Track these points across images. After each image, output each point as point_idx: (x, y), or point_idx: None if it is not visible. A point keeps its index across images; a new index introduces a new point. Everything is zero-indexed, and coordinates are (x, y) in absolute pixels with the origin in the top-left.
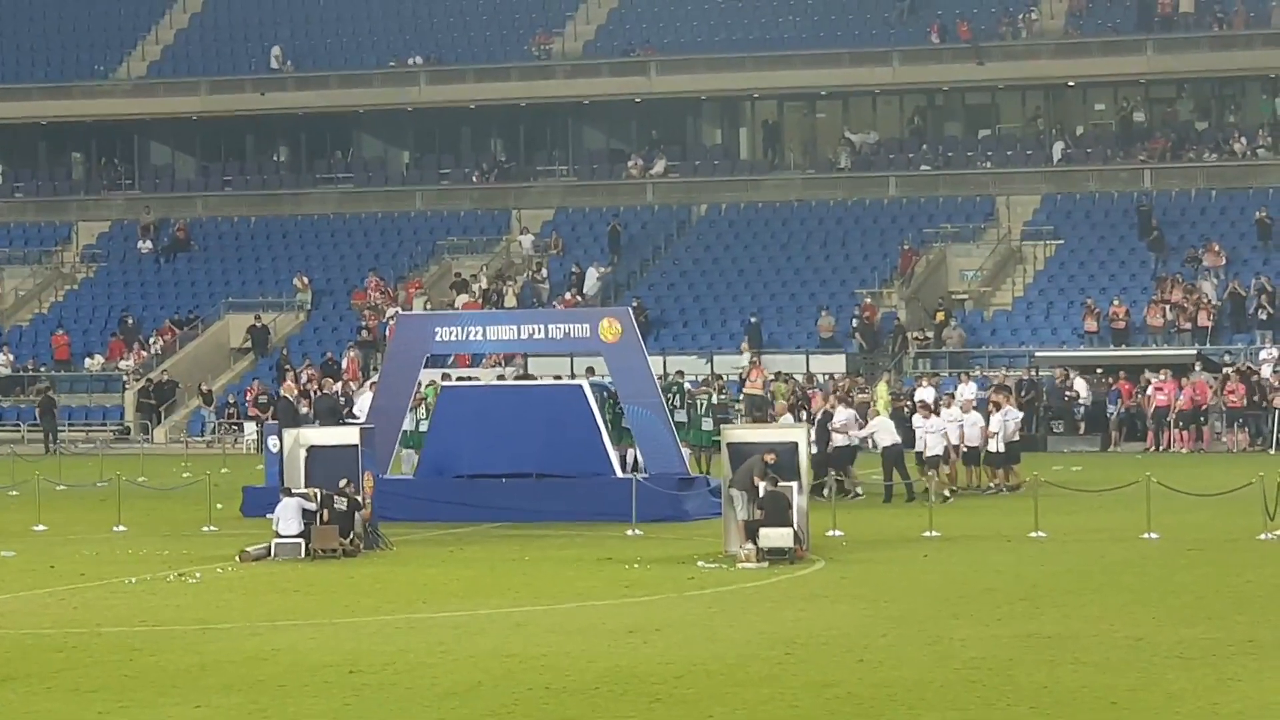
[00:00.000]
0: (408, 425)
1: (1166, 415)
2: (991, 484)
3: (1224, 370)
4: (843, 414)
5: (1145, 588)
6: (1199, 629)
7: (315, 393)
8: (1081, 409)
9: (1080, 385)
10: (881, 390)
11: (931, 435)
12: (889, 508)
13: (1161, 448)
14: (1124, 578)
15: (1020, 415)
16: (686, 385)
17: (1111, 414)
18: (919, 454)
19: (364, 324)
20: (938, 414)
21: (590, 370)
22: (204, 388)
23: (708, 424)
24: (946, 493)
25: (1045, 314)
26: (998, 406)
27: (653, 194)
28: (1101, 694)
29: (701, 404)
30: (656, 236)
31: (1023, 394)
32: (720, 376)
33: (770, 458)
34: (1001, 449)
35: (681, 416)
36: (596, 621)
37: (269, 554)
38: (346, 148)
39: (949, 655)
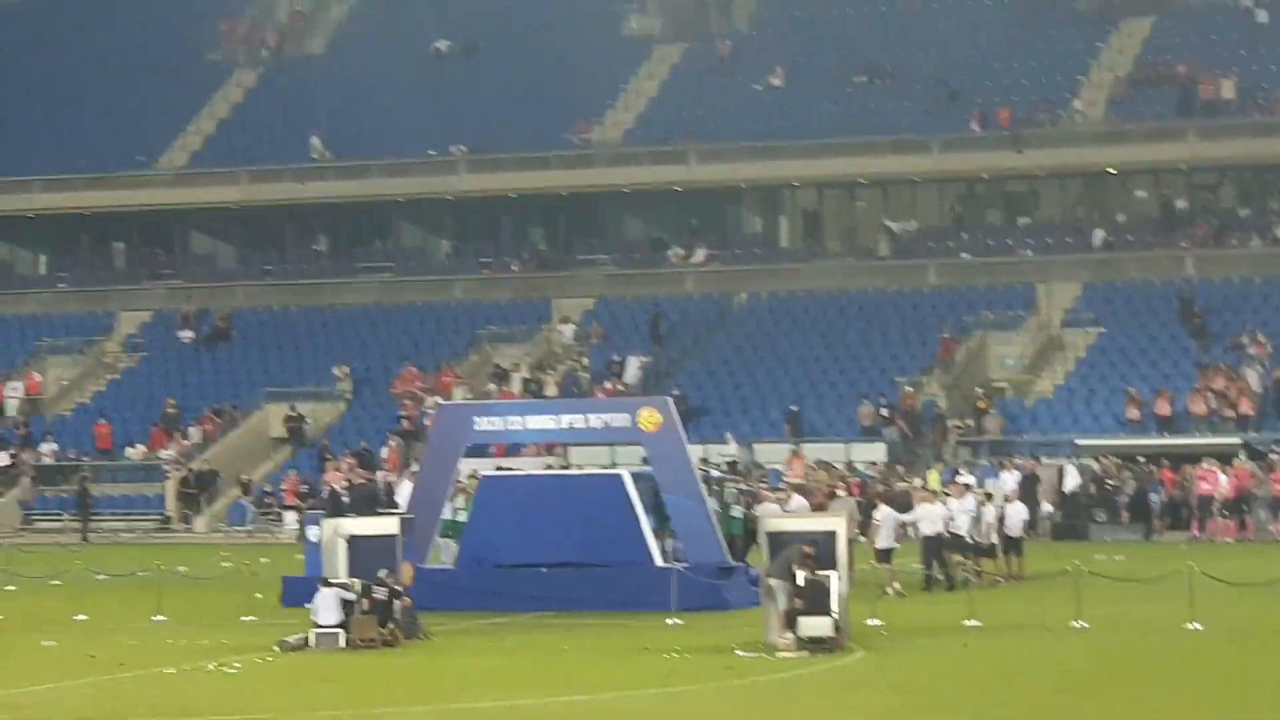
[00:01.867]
0: (447, 514)
1: (1210, 504)
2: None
3: (1269, 458)
4: (791, 504)
5: (1188, 679)
6: None
7: (353, 482)
8: (1125, 498)
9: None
10: (933, 478)
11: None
12: (927, 596)
13: (1205, 537)
14: (1166, 668)
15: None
16: (713, 472)
17: (1154, 503)
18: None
19: (404, 414)
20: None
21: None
22: (243, 477)
23: (737, 511)
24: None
25: (1087, 402)
26: (988, 497)
27: (693, 283)
28: None
29: (730, 492)
30: (697, 325)
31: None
32: (760, 465)
33: (809, 550)
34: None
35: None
36: (636, 712)
37: (308, 644)
38: (386, 237)
39: None
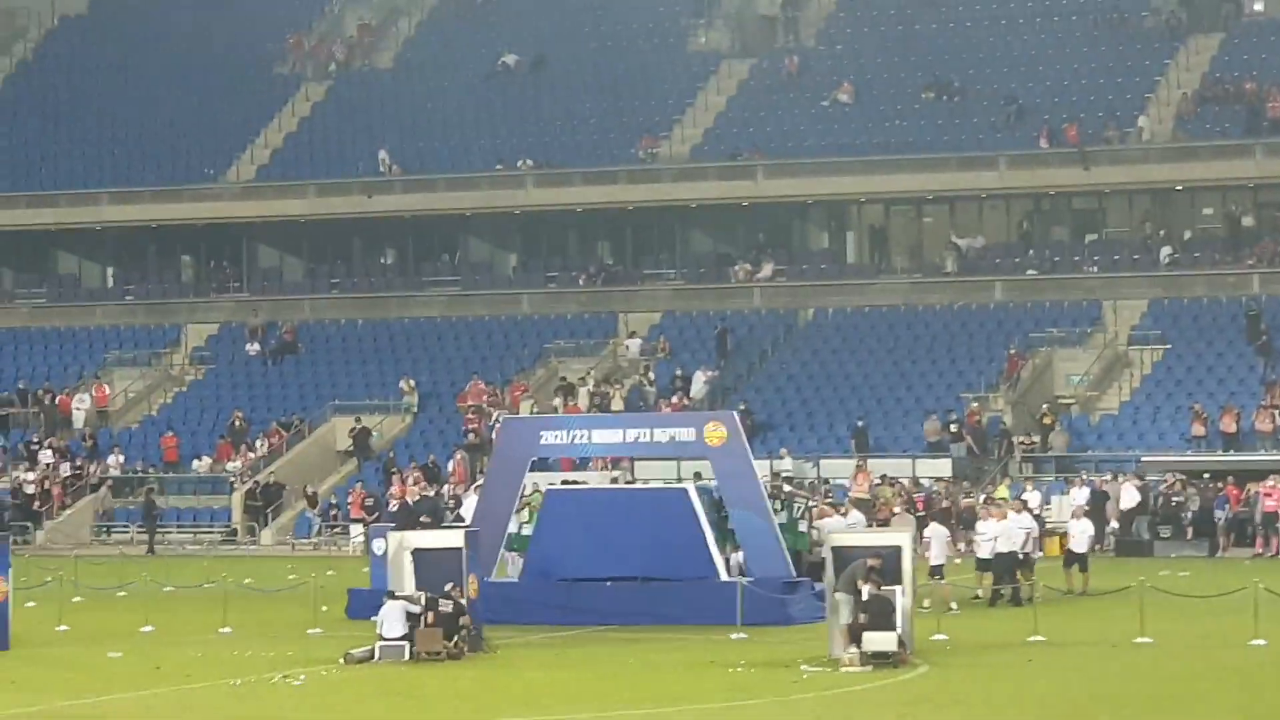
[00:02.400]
0: (512, 528)
1: (1275, 520)
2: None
3: None
4: (850, 518)
5: (1253, 695)
6: None
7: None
8: (1189, 514)
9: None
10: (1004, 493)
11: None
12: (994, 611)
13: (1271, 554)
14: (1231, 684)
15: (1031, 524)
16: (786, 487)
17: (1219, 519)
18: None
19: (470, 427)
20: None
21: (698, 475)
22: (310, 490)
23: (803, 526)
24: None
25: (1152, 419)
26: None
27: (759, 298)
28: None
29: (798, 507)
30: (763, 340)
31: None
32: (826, 480)
33: (875, 563)
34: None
35: (782, 518)
36: None
37: (373, 656)
38: (453, 250)
39: None
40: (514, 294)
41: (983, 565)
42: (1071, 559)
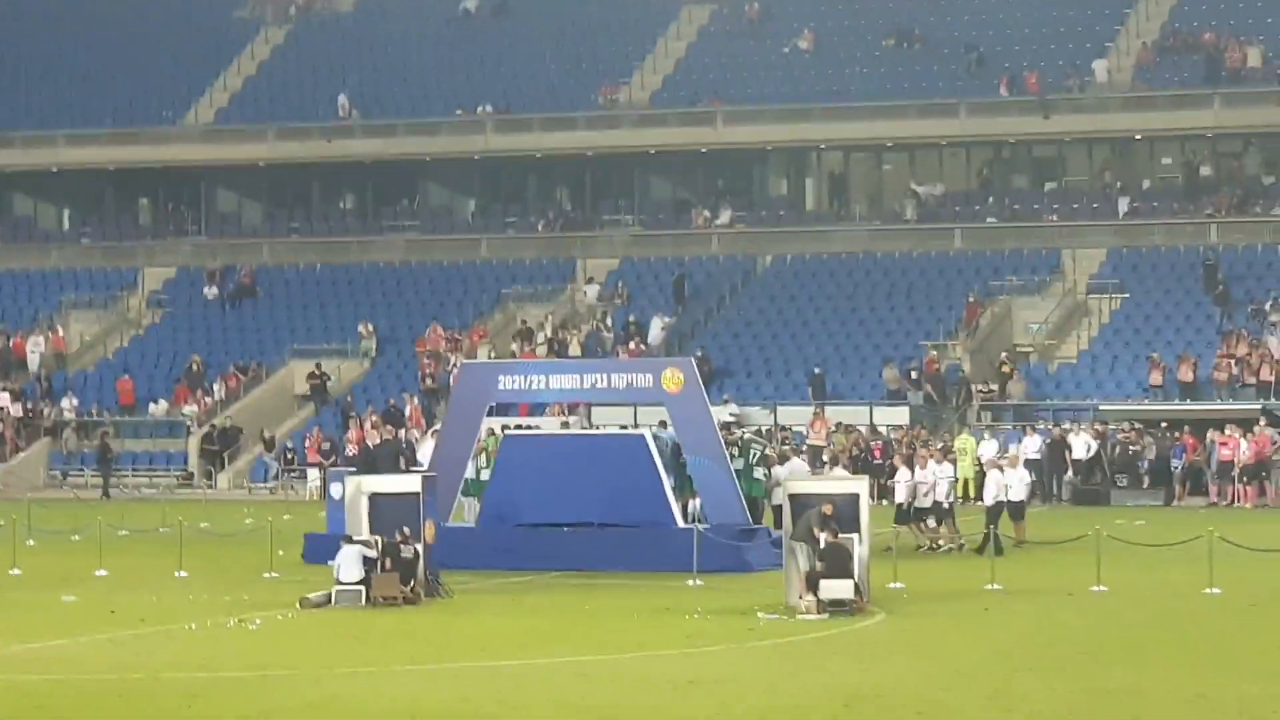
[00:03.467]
0: (469, 474)
1: (1231, 470)
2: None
3: None
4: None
5: (1207, 643)
6: (1261, 685)
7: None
8: (1146, 463)
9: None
10: (963, 442)
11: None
12: (950, 560)
13: (1226, 503)
14: (1186, 633)
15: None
16: (745, 434)
17: (1176, 468)
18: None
19: (428, 372)
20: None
21: (663, 424)
22: (267, 434)
23: (759, 473)
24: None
25: (1110, 368)
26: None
27: (718, 244)
28: None
29: (754, 454)
30: (721, 287)
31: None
32: (785, 428)
33: (828, 509)
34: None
35: (738, 465)
36: (657, 672)
37: (330, 601)
38: (413, 196)
39: (1010, 710)
40: (473, 239)
41: (900, 515)
42: (1010, 509)
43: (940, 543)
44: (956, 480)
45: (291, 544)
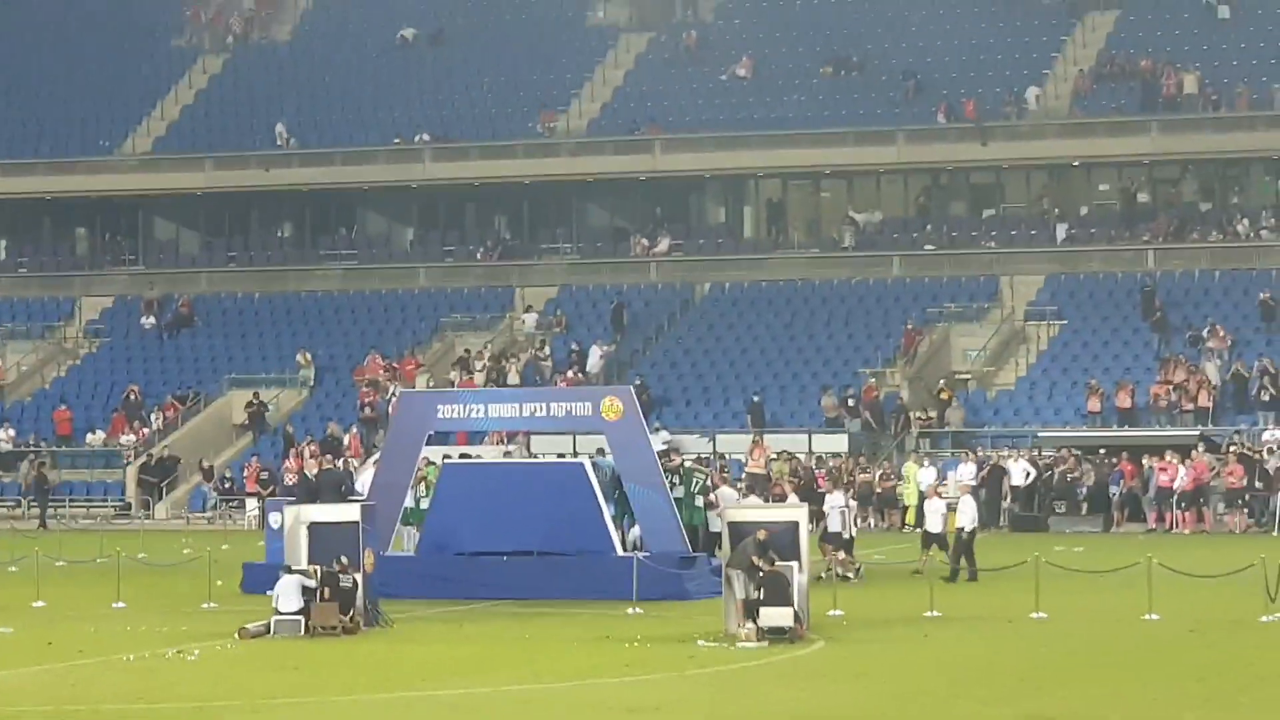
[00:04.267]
0: (409, 502)
1: (1170, 496)
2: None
3: (1229, 451)
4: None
5: (1146, 669)
6: (1200, 711)
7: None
8: (1084, 490)
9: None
10: (910, 471)
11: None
12: (889, 587)
13: (1164, 529)
14: (1125, 659)
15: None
16: (685, 462)
17: (1114, 495)
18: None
19: (366, 401)
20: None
21: (601, 451)
22: (205, 464)
23: (700, 501)
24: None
25: (1048, 394)
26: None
27: (656, 272)
28: None
29: (696, 482)
30: (660, 315)
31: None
32: (722, 456)
33: (762, 535)
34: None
35: (679, 493)
36: (597, 700)
37: (268, 631)
38: (351, 224)
39: None
40: (411, 268)
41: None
42: (928, 539)
43: (839, 571)
44: (849, 508)
45: (230, 574)
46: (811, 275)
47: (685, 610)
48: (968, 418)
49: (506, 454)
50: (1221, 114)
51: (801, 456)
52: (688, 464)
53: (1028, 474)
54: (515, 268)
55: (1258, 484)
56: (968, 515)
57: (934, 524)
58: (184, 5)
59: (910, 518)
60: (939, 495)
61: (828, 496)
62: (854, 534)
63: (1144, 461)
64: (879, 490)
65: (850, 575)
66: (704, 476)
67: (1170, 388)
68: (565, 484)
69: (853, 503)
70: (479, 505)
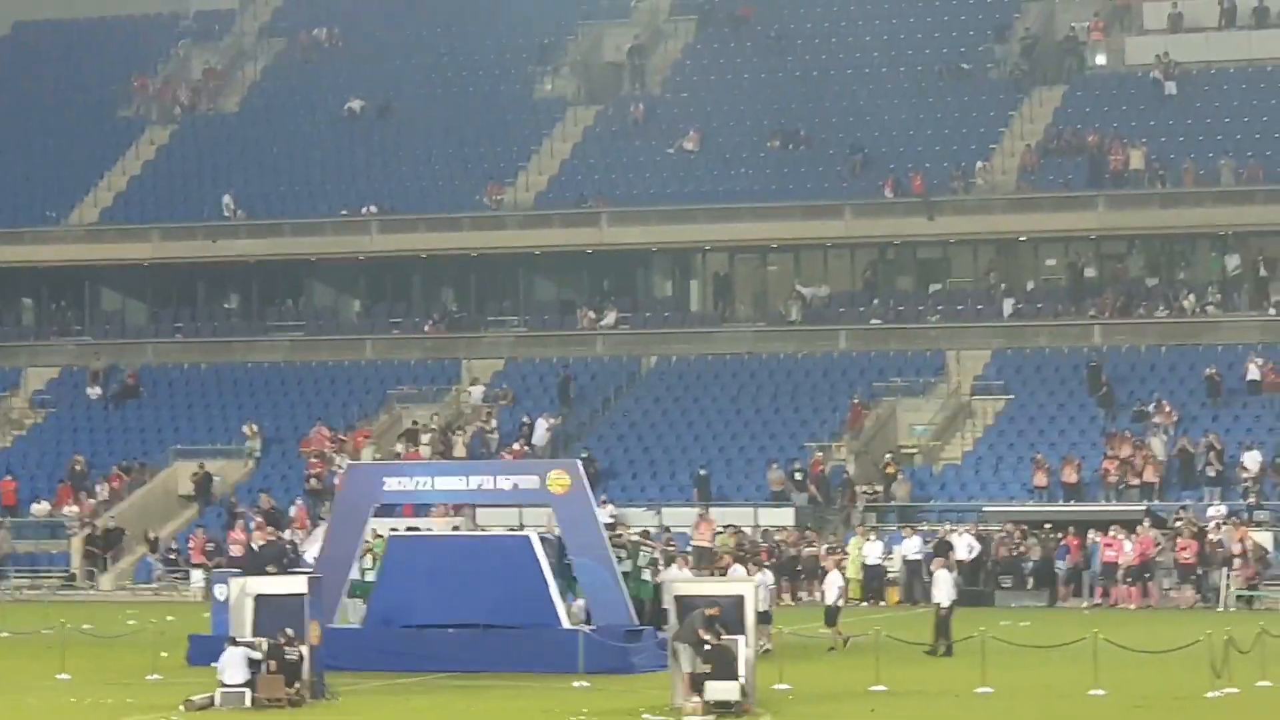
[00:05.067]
0: (354, 575)
1: (1115, 571)
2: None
3: (1175, 525)
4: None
5: None
6: None
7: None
8: (1030, 564)
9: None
10: (855, 545)
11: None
12: (838, 660)
13: (1110, 603)
14: None
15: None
16: (632, 536)
17: (1060, 570)
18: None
19: (312, 472)
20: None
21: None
22: (151, 535)
23: (647, 575)
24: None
25: (994, 469)
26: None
27: (603, 345)
28: None
29: (644, 555)
30: (606, 387)
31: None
32: (667, 529)
33: (713, 611)
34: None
35: (626, 567)
36: None
37: (214, 703)
38: (298, 296)
39: None
40: (358, 339)
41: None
42: (829, 614)
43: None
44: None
45: (175, 645)
46: (758, 349)
47: (631, 683)
48: (914, 492)
49: (455, 528)
50: (1168, 189)
51: (748, 530)
52: (634, 538)
53: (971, 548)
54: (462, 340)
55: (1208, 561)
56: (944, 590)
57: (830, 596)
58: (131, 76)
59: (856, 591)
60: (838, 569)
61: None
62: (770, 609)
63: (1089, 536)
64: (824, 565)
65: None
66: (651, 550)
67: (1116, 463)
68: (512, 557)
69: (769, 577)
70: (426, 578)
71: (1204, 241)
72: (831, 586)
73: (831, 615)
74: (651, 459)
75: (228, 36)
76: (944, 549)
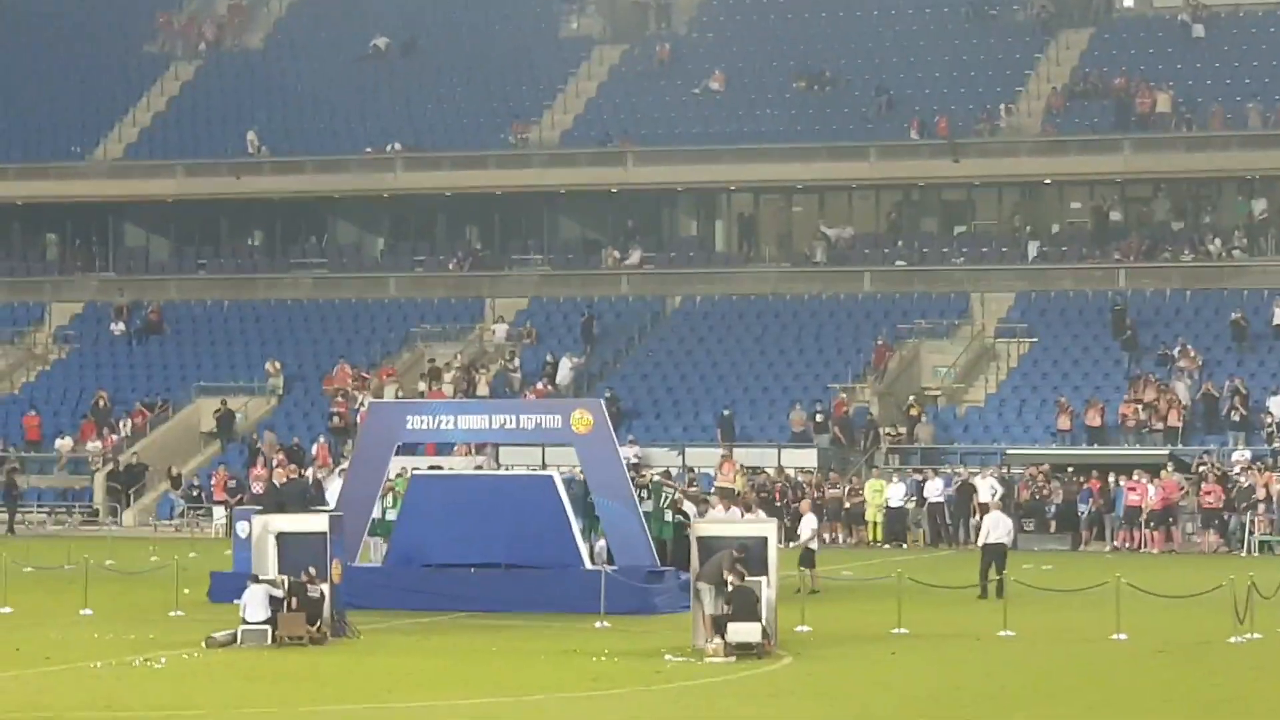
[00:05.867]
0: (376, 513)
1: (1138, 515)
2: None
3: (1198, 471)
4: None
5: (1113, 689)
6: None
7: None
8: (1053, 508)
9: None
10: (873, 486)
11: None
12: (858, 604)
13: (1132, 548)
14: (1092, 679)
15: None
16: (654, 476)
17: (1083, 513)
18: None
19: (335, 410)
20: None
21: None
22: (173, 471)
23: (668, 516)
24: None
25: (1018, 412)
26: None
27: (627, 285)
28: None
29: (665, 497)
30: (630, 328)
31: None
32: (691, 469)
33: (739, 552)
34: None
35: (647, 507)
36: (563, 714)
37: (235, 640)
38: (321, 233)
39: None
40: (381, 277)
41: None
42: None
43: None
44: None
45: (197, 582)
46: (782, 290)
47: (653, 625)
48: (937, 434)
49: (477, 467)
50: (1195, 133)
51: (770, 471)
52: (655, 478)
53: (994, 491)
54: (486, 278)
55: (1233, 505)
56: (1004, 529)
57: (804, 538)
58: (156, 12)
59: (876, 534)
60: (813, 510)
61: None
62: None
63: (1112, 480)
64: (847, 506)
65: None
66: (672, 490)
67: (1140, 407)
68: (534, 497)
69: (813, 519)
70: (447, 517)
71: (1230, 185)
72: (805, 528)
73: (807, 557)
74: (675, 399)
75: None
76: (968, 491)
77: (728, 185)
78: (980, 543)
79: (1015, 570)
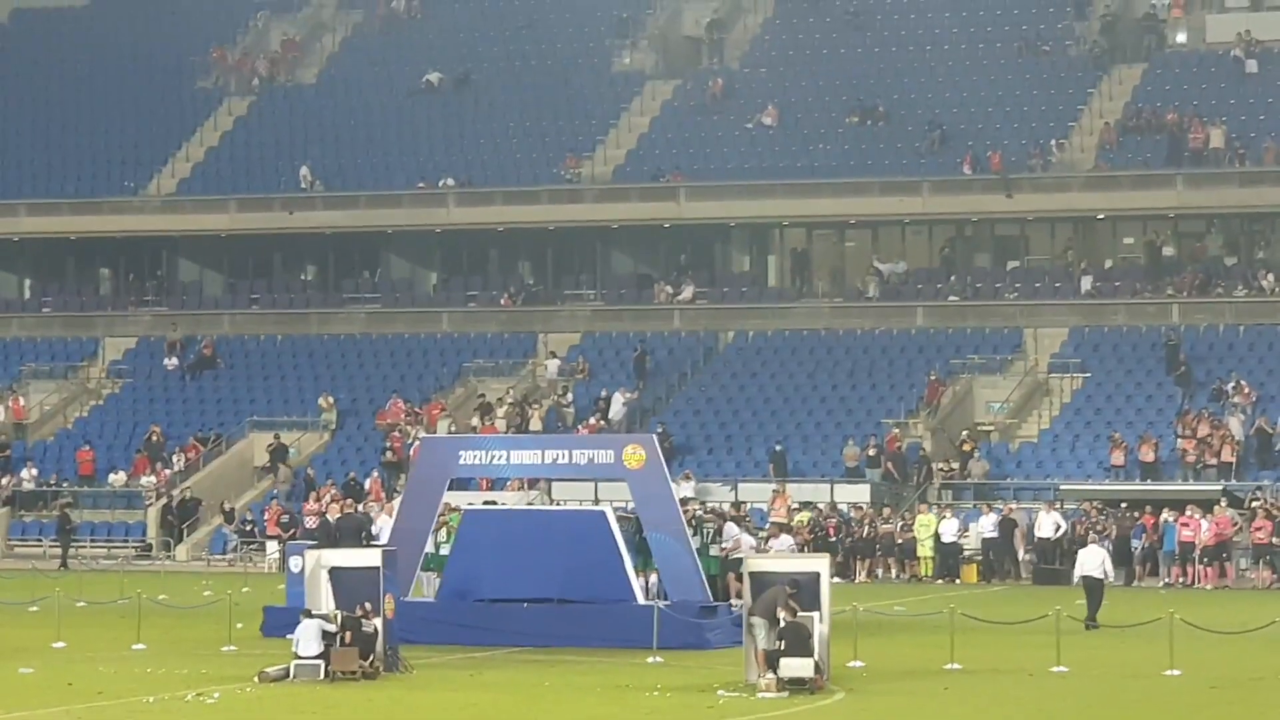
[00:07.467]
0: (429, 548)
1: (1191, 551)
2: None
3: (1252, 506)
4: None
5: None
6: None
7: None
8: (1107, 543)
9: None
10: (922, 520)
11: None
12: (912, 638)
13: (1186, 583)
14: (1145, 714)
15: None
16: (700, 511)
17: (1136, 549)
18: None
19: (388, 445)
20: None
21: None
22: (226, 506)
23: (715, 550)
24: None
25: (1071, 447)
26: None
27: (680, 320)
28: None
29: (708, 531)
30: (683, 363)
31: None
32: (744, 504)
33: (792, 589)
34: None
35: (695, 543)
36: None
37: (288, 675)
38: (374, 268)
39: None
40: (434, 312)
41: None
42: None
43: None
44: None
45: (250, 617)
46: (835, 325)
47: (706, 660)
48: (990, 470)
49: (530, 502)
50: (1248, 168)
51: (823, 507)
52: (699, 513)
53: (1058, 526)
54: (538, 313)
55: None
56: (1095, 561)
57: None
58: (210, 47)
59: (928, 569)
60: (787, 531)
61: (772, 540)
62: None
63: (1163, 515)
64: (899, 541)
65: None
66: (712, 524)
67: (1194, 442)
68: (587, 532)
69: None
70: (500, 552)
71: None
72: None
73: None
74: (728, 434)
75: (306, 8)
76: (1009, 527)
77: (780, 220)
78: (1075, 576)
79: (1068, 605)
